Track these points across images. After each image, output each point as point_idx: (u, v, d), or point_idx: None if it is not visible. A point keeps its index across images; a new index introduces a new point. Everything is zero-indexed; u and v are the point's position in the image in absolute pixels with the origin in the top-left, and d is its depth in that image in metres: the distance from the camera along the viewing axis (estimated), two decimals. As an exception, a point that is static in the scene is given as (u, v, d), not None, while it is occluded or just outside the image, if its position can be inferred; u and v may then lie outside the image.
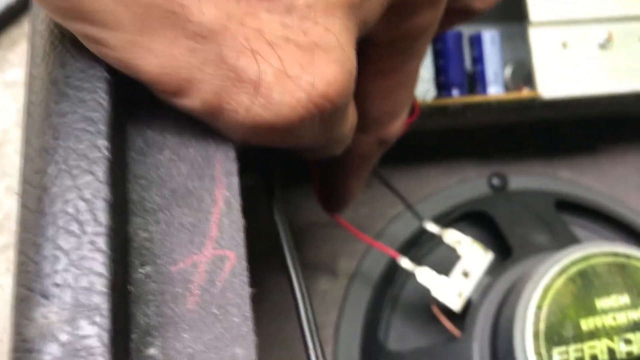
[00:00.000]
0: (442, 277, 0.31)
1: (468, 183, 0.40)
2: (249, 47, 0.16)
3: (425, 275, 0.32)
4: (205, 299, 0.15)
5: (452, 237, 0.33)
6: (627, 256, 0.30)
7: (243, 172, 0.18)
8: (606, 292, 0.29)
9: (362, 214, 0.40)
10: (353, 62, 0.17)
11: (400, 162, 0.41)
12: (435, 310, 0.33)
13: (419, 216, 0.35)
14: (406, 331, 0.35)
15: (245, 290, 0.15)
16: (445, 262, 0.33)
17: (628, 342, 0.28)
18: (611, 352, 0.28)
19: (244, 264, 0.16)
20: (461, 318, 0.32)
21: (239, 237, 0.16)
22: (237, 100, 0.16)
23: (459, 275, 0.32)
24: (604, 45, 0.35)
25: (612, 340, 0.28)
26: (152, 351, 0.15)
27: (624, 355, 0.28)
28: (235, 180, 0.17)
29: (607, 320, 0.29)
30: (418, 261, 0.36)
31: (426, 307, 0.34)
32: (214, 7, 0.15)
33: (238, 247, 0.16)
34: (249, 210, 0.19)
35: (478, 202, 0.37)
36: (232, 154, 0.17)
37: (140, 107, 0.18)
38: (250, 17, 0.16)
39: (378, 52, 0.21)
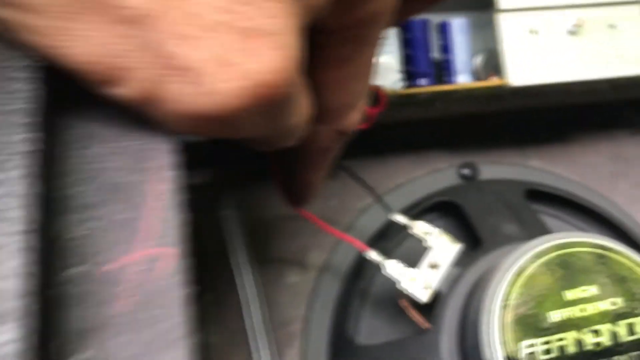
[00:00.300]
0: (410, 269, 0.31)
1: (438, 173, 0.39)
2: (185, 33, 0.15)
3: (392, 268, 0.31)
4: (137, 301, 0.14)
5: (421, 228, 0.32)
6: (598, 246, 0.30)
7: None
8: (574, 283, 0.29)
9: (332, 207, 0.39)
10: (298, 48, 0.16)
11: (369, 154, 0.40)
12: (403, 303, 0.32)
13: (388, 208, 0.34)
14: (375, 325, 0.34)
15: (181, 290, 0.15)
16: (415, 254, 0.33)
17: (596, 333, 0.28)
18: (579, 344, 0.28)
19: (180, 261, 0.15)
20: (431, 310, 0.32)
21: (176, 234, 0.15)
22: (175, 88, 0.15)
23: (427, 267, 0.31)
24: (573, 32, 0.34)
25: (580, 331, 0.28)
26: (81, 357, 0.14)
27: (592, 347, 0.28)
28: (172, 174, 0.16)
29: (576, 312, 0.28)
30: (387, 254, 0.35)
31: (394, 300, 0.34)
32: None
33: (174, 245, 0.15)
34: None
35: (448, 193, 0.37)
36: (169, 147, 0.16)
37: (73, 100, 0.17)
38: (189, 0, 0.15)
39: (330, 41, 0.20)
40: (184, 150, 0.17)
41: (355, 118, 0.24)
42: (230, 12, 0.15)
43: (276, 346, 0.35)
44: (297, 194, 0.29)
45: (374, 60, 0.23)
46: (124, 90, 0.15)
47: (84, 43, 0.15)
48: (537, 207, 0.37)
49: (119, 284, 0.14)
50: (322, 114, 0.23)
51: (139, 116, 0.16)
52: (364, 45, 0.21)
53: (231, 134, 0.17)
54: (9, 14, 0.14)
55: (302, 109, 0.19)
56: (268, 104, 0.16)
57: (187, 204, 0.16)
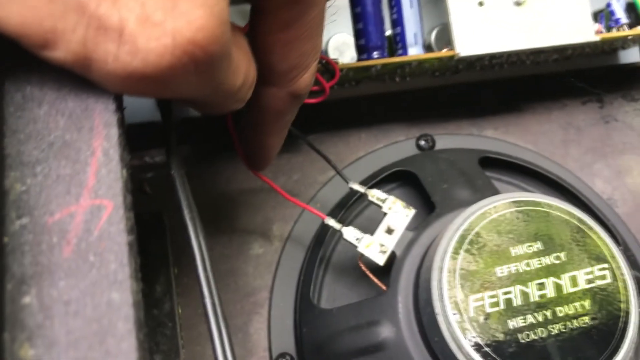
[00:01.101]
0: (367, 235, 0.32)
1: (397, 145, 0.41)
2: None
3: (350, 234, 0.32)
4: (82, 248, 0.15)
5: (376, 195, 0.33)
6: (539, 204, 0.31)
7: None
8: (519, 239, 0.30)
9: (294, 180, 0.40)
10: (222, 7, 0.17)
11: (330, 128, 0.41)
12: (363, 267, 0.33)
13: (346, 178, 0.35)
14: (337, 290, 0.36)
15: (123, 238, 0.16)
16: (373, 223, 0.34)
17: (541, 286, 0.29)
18: (525, 296, 0.29)
19: (121, 212, 0.16)
20: (388, 274, 0.33)
21: (117, 187, 0.16)
22: (104, 49, 0.16)
23: (383, 232, 0.32)
24: (519, 3, 0.36)
25: (525, 285, 0.29)
26: (27, 299, 0.15)
27: (537, 299, 0.29)
28: (114, 131, 0.17)
29: (521, 267, 0.30)
30: (349, 222, 0.37)
31: (355, 266, 0.35)
32: None
33: (115, 197, 0.16)
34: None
35: (404, 163, 0.38)
36: (111, 106, 0.17)
37: (21, 63, 0.17)
38: None
39: (273, 4, 0.21)
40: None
41: (307, 80, 0.25)
42: None
43: (244, 315, 0.36)
44: (255, 158, 0.30)
45: (321, 20, 0.23)
46: (59, 54, 0.16)
47: (13, 8, 0.15)
48: (491, 174, 0.38)
49: (65, 232, 0.15)
50: (273, 76, 0.24)
51: (83, 79, 0.17)
52: (308, 6, 0.22)
53: (167, 94, 0.18)
54: None
55: (240, 68, 0.20)
56: (198, 62, 0.17)
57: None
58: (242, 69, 0.21)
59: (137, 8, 0.16)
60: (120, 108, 0.17)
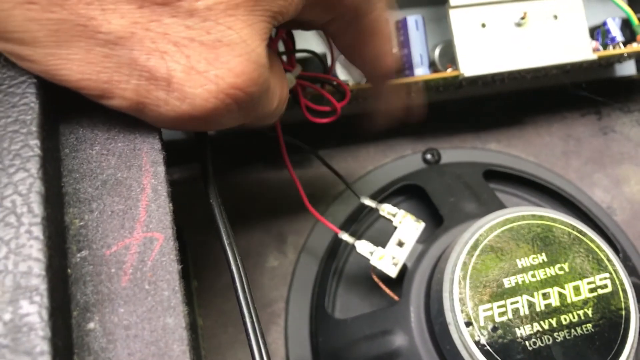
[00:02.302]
0: (379, 247, 0.34)
1: (404, 159, 0.42)
2: (156, 49, 0.18)
3: (363, 247, 0.34)
4: (138, 277, 0.17)
5: (387, 210, 0.35)
6: (546, 218, 0.33)
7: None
8: (525, 252, 0.32)
9: (306, 194, 0.42)
10: (259, 53, 0.19)
11: (340, 144, 0.43)
12: (375, 279, 0.35)
13: (357, 193, 0.37)
14: (350, 300, 0.37)
15: (174, 267, 0.17)
16: (384, 235, 0.36)
17: (546, 295, 0.31)
18: (531, 306, 0.31)
19: (171, 243, 0.18)
20: (400, 284, 0.35)
21: (166, 220, 0.18)
22: (155, 95, 0.18)
23: (394, 245, 0.34)
24: (520, 24, 0.37)
25: (531, 295, 0.31)
26: (91, 325, 0.16)
27: (543, 308, 0.31)
28: (161, 169, 0.19)
29: (527, 278, 0.31)
30: (359, 235, 0.38)
31: (368, 278, 0.37)
32: (120, 17, 0.17)
33: (165, 229, 0.18)
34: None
35: (412, 177, 0.40)
36: (157, 145, 0.19)
37: (72, 108, 0.19)
38: (155, 22, 0.17)
39: (330, 31, 0.24)
40: (168, 147, 0.20)
41: (389, 60, 0.28)
42: (192, 29, 0.18)
43: (261, 325, 0.37)
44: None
45: (383, 20, 0.25)
46: (115, 102, 0.18)
47: (74, 65, 0.17)
48: (495, 186, 0.40)
49: (122, 263, 0.17)
50: (377, 75, 0.28)
51: (130, 121, 0.19)
52: (368, 12, 0.24)
53: (213, 128, 0.20)
54: (6, 47, 0.17)
55: (275, 93, 0.22)
56: (239, 102, 0.19)
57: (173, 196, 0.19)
58: (277, 92, 0.23)
59: (183, 60, 0.18)
60: (162, 148, 0.19)
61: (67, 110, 0.19)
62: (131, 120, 0.19)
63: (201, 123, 0.19)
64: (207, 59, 0.18)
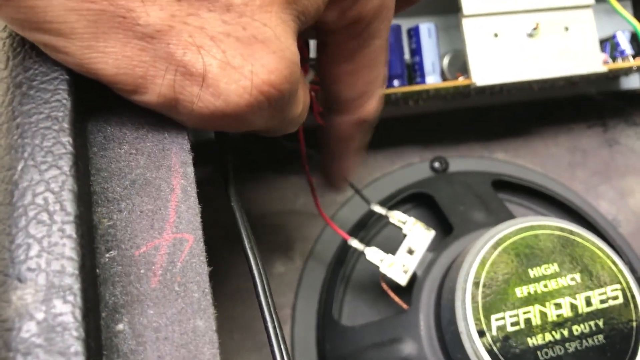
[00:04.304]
0: (389, 255, 0.34)
1: (412, 167, 0.42)
2: (193, 43, 0.17)
3: (373, 254, 0.34)
4: (167, 278, 0.17)
5: (397, 217, 0.35)
6: (556, 228, 0.33)
7: (201, 165, 0.19)
8: (537, 262, 0.32)
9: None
10: (292, 51, 0.19)
11: (348, 149, 0.43)
12: (384, 286, 0.35)
13: (367, 200, 0.37)
14: (358, 307, 0.37)
15: (204, 269, 0.17)
16: (392, 242, 0.35)
17: (558, 306, 0.31)
18: (543, 316, 0.31)
19: (201, 245, 0.17)
20: (409, 292, 0.35)
21: (196, 221, 0.18)
22: (189, 91, 0.18)
23: (405, 252, 0.34)
24: (531, 35, 0.38)
25: (543, 305, 0.31)
26: (120, 326, 0.16)
27: (555, 318, 0.31)
28: (190, 170, 0.18)
29: (539, 288, 0.31)
30: (367, 242, 0.38)
31: (376, 285, 0.37)
32: (159, 10, 0.17)
33: (195, 231, 0.17)
34: (207, 199, 0.21)
35: (421, 185, 0.40)
36: (186, 146, 0.19)
37: (100, 106, 0.19)
38: (193, 16, 0.17)
39: (336, 39, 0.23)
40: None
41: (374, 105, 0.27)
42: (229, 24, 0.18)
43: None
44: (333, 181, 0.33)
45: (384, 50, 0.25)
46: (148, 97, 0.18)
47: (110, 58, 0.17)
48: (503, 195, 0.40)
49: (151, 264, 0.17)
50: (342, 105, 0.26)
51: (159, 120, 0.19)
52: (369, 38, 0.23)
53: (242, 128, 0.20)
54: (43, 38, 0.17)
55: (300, 97, 0.22)
56: (271, 99, 0.19)
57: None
58: (302, 97, 0.22)
59: (219, 54, 0.17)
60: (190, 148, 0.19)
61: (95, 108, 0.19)
62: (160, 120, 0.19)
63: (232, 121, 0.19)
64: (243, 54, 0.18)
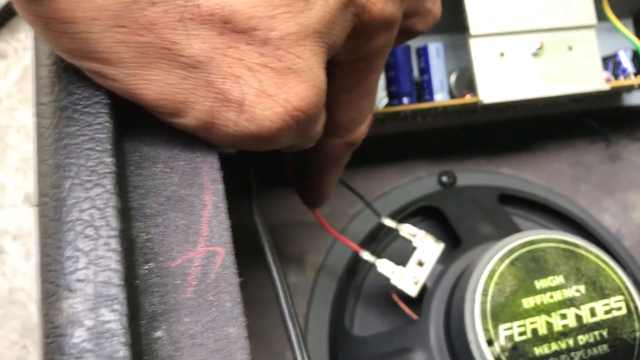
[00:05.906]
0: (400, 267, 0.35)
1: (420, 181, 0.44)
2: (232, 73, 0.19)
3: (384, 266, 0.35)
4: (202, 288, 0.18)
5: (407, 230, 0.36)
6: (562, 241, 0.34)
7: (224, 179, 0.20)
8: (543, 274, 0.33)
9: (325, 213, 0.43)
10: (322, 80, 0.21)
11: (358, 164, 0.44)
12: (395, 297, 0.36)
13: (377, 213, 0.38)
14: (369, 318, 0.38)
15: (235, 280, 0.18)
16: (402, 254, 0.37)
17: (563, 316, 0.32)
18: (549, 326, 0.32)
19: (232, 257, 0.19)
20: (418, 303, 0.36)
21: (227, 235, 0.19)
22: (226, 116, 0.19)
23: (415, 264, 0.35)
24: (536, 54, 0.39)
25: (549, 315, 0.32)
26: (159, 333, 0.17)
27: (560, 328, 0.32)
28: (220, 187, 0.20)
29: (545, 299, 0.32)
30: (377, 254, 0.39)
31: (386, 296, 0.38)
32: (201, 42, 0.18)
33: (226, 244, 0.19)
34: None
35: (429, 198, 0.41)
36: (216, 165, 0.20)
37: (135, 127, 0.20)
38: (233, 49, 0.19)
39: (343, 71, 0.25)
40: None
41: (363, 130, 0.29)
42: (265, 56, 0.19)
43: (282, 340, 0.38)
44: (312, 197, 0.34)
45: (378, 81, 0.27)
46: (185, 120, 0.19)
47: (153, 85, 0.18)
48: (509, 209, 0.41)
49: (186, 275, 0.18)
50: (335, 128, 0.27)
51: (190, 141, 0.20)
52: (370, 72, 0.25)
53: (271, 148, 0.21)
54: (92, 66, 0.18)
55: (322, 119, 0.24)
56: (300, 123, 0.20)
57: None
58: (322, 117, 0.24)
59: (256, 84, 0.19)
60: (220, 167, 0.20)
61: (130, 129, 0.20)
62: (191, 140, 0.20)
63: (262, 142, 0.20)
64: (277, 83, 0.19)
